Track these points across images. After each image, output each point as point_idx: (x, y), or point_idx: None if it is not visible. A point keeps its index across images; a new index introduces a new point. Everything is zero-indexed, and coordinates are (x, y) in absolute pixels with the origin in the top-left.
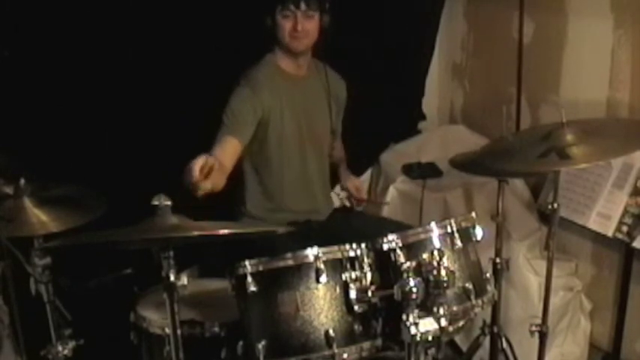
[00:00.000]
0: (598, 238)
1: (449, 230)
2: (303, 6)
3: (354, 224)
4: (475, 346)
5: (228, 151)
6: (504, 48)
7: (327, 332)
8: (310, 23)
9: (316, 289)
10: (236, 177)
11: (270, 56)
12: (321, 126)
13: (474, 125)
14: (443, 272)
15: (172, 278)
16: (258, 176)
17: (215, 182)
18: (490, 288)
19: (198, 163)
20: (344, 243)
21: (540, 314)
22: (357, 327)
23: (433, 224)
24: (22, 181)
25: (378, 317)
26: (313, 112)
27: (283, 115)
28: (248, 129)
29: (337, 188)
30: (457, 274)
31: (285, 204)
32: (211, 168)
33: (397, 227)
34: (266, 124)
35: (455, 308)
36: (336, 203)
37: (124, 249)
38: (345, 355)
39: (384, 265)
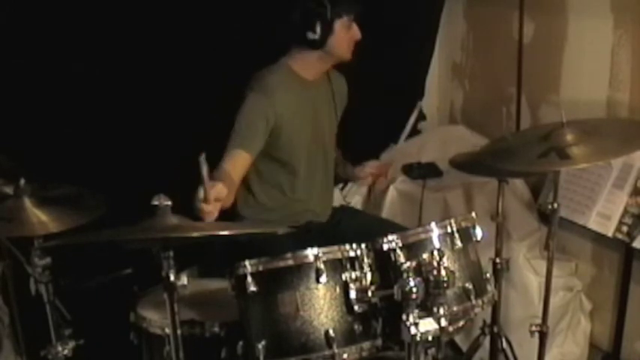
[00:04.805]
0: (598, 238)
1: (449, 230)
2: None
3: (354, 225)
4: (475, 346)
5: (238, 165)
6: (504, 48)
7: (327, 332)
8: None
9: (316, 289)
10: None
11: (285, 60)
12: (328, 130)
13: (474, 125)
14: (443, 272)
15: (172, 278)
16: (263, 180)
17: (225, 200)
18: (490, 288)
19: (211, 196)
20: (344, 243)
21: (540, 314)
22: (357, 327)
23: (433, 224)
24: (22, 181)
25: (378, 317)
26: (322, 117)
27: (294, 121)
28: (259, 141)
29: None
30: (457, 274)
31: (289, 207)
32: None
33: (396, 229)
34: (279, 130)
35: (455, 308)
36: (337, 203)
37: (124, 249)
38: (345, 355)
39: (384, 265)
